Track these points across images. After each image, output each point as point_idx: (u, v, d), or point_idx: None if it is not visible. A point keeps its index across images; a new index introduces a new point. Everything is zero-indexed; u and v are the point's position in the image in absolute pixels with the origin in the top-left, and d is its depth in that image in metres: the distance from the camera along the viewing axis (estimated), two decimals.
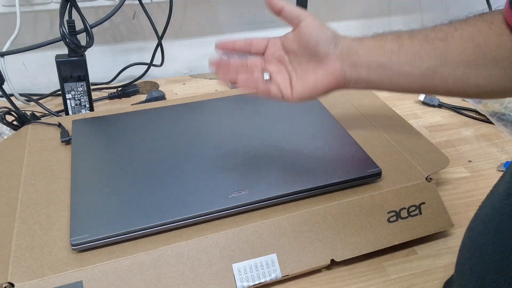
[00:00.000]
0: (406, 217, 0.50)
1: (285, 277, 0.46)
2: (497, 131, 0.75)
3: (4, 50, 0.72)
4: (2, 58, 0.71)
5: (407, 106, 0.82)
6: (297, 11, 0.46)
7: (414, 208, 0.51)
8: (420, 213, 0.51)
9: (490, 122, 0.77)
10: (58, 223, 0.46)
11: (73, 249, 0.43)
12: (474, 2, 1.07)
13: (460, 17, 0.43)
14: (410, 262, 0.50)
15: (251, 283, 0.45)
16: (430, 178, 0.53)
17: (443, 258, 0.51)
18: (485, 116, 0.78)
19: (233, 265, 0.45)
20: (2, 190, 0.50)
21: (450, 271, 0.49)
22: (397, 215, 0.50)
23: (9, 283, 0.40)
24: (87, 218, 0.45)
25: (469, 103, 0.82)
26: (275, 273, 0.45)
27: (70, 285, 0.41)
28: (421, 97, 0.82)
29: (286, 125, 0.60)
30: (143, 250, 0.44)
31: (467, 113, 0.79)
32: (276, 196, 0.48)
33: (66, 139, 0.57)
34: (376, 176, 0.51)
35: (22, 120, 0.66)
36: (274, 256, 0.46)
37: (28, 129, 0.61)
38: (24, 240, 0.44)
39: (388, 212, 0.50)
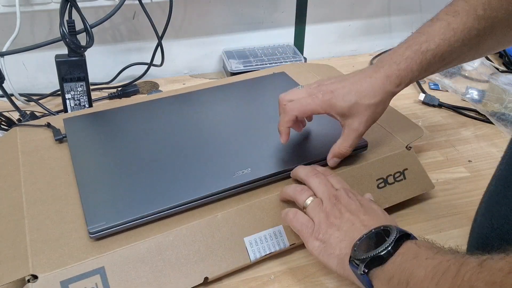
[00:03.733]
0: (393, 183, 0.55)
1: (292, 246, 0.49)
2: (497, 131, 0.75)
3: (4, 50, 0.72)
4: (2, 58, 0.71)
5: (407, 106, 0.82)
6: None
7: (399, 174, 0.56)
8: (405, 178, 0.56)
9: (490, 122, 0.77)
10: (69, 216, 0.47)
11: (91, 237, 0.43)
12: None
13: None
14: None
15: (263, 253, 0.48)
16: (410, 147, 0.58)
17: None
18: (485, 116, 0.78)
19: (244, 238, 0.48)
20: (2, 191, 0.50)
21: None
22: (385, 181, 0.55)
23: (32, 275, 0.40)
24: (100, 207, 0.46)
25: (469, 103, 0.82)
26: (283, 243, 0.49)
27: (93, 271, 0.42)
28: (421, 97, 0.82)
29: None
30: (159, 232, 0.45)
31: (467, 113, 0.79)
32: (277, 172, 0.51)
33: (60, 137, 0.58)
34: (363, 148, 0.56)
35: (9, 122, 0.66)
36: (280, 227, 0.49)
37: (17, 131, 0.60)
38: (38, 235, 0.44)
39: (377, 179, 0.55)
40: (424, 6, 1.06)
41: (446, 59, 0.49)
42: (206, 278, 0.45)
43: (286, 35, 0.98)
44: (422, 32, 0.49)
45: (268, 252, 0.48)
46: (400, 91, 0.49)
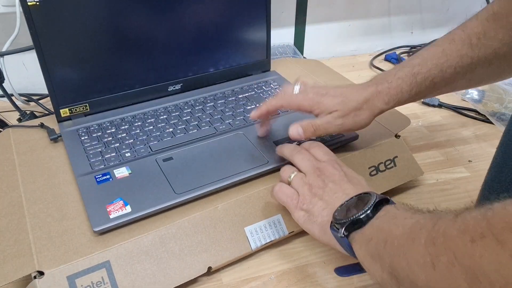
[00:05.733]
0: (384, 170, 0.57)
1: (291, 234, 0.50)
2: (497, 131, 0.74)
3: (4, 50, 0.72)
4: (2, 58, 0.71)
5: (407, 106, 0.81)
6: None
7: (389, 161, 0.58)
8: (395, 165, 0.58)
9: (490, 122, 0.77)
10: (71, 214, 0.47)
11: (95, 231, 0.44)
12: (474, 2, 1.07)
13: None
14: None
15: (263, 242, 0.49)
16: (398, 135, 0.60)
17: None
18: (485, 116, 0.78)
19: (245, 228, 0.49)
20: (1, 191, 0.50)
21: None
22: (376, 169, 0.57)
23: (38, 271, 0.41)
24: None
25: (469, 103, 0.82)
26: (283, 231, 0.50)
27: (99, 266, 0.42)
28: None
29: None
30: (161, 225, 0.46)
31: (467, 113, 0.79)
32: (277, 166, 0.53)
33: (55, 137, 0.58)
34: (354, 139, 0.58)
35: (1, 124, 0.66)
36: (279, 216, 0.50)
37: (10, 132, 0.61)
38: (41, 232, 0.45)
39: (369, 168, 0.57)
40: (424, 6, 1.06)
41: (437, 84, 0.49)
42: (209, 268, 0.46)
43: (286, 35, 0.98)
44: (417, 55, 0.50)
45: (268, 241, 0.49)
46: (388, 109, 0.51)
